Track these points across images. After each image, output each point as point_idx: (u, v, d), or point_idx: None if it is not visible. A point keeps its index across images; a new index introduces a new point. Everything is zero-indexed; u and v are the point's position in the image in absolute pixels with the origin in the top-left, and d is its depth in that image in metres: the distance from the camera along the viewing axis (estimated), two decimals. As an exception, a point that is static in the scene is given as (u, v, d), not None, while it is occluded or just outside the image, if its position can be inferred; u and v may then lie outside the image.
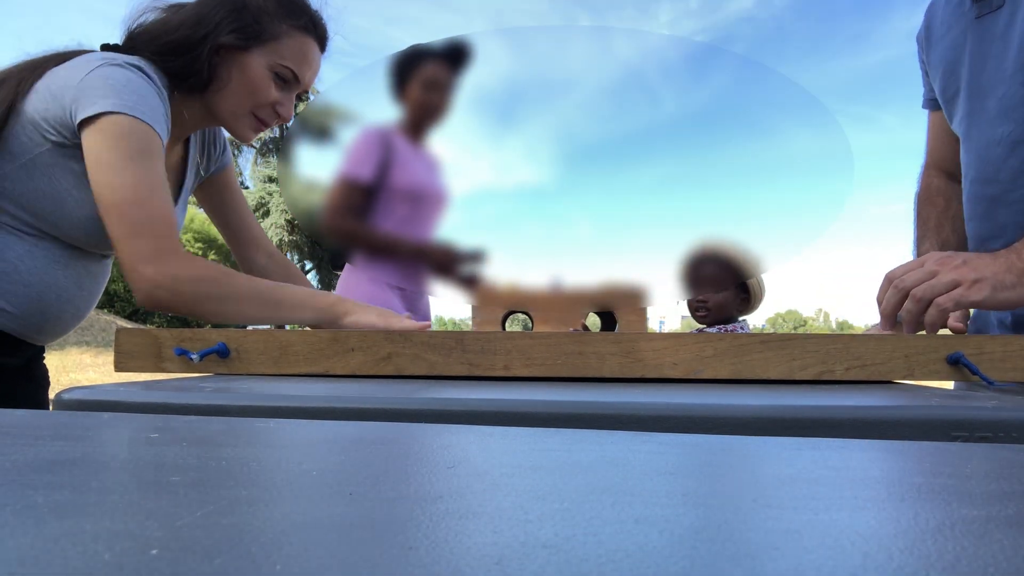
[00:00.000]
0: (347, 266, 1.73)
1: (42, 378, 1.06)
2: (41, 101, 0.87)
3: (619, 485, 0.25)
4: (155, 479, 0.25)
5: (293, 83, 1.00)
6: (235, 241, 1.18)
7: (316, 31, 1.02)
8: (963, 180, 0.98)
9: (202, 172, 1.12)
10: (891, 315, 0.79)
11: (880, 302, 0.81)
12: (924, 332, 0.78)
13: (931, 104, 1.11)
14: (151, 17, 0.97)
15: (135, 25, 0.97)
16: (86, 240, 0.92)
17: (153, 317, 13.95)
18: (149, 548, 0.17)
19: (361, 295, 1.65)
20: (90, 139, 0.84)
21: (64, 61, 0.90)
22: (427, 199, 1.67)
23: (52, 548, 0.17)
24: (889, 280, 0.80)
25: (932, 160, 1.12)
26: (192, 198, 1.15)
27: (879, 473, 0.29)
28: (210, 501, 0.22)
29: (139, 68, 0.89)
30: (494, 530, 0.19)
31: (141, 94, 0.87)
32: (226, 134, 1.14)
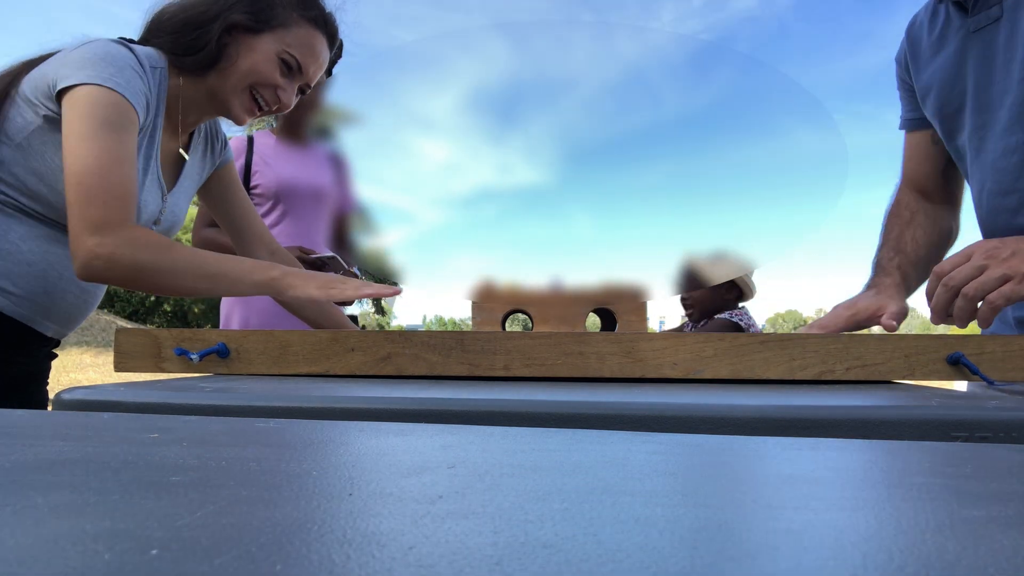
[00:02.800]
0: None
1: (39, 398, 1.05)
2: (31, 80, 0.89)
3: (619, 485, 0.25)
4: (155, 479, 0.25)
5: (297, 73, 1.01)
6: (237, 237, 1.18)
7: (327, 27, 1.03)
8: (977, 196, 0.98)
9: (208, 164, 1.12)
10: (942, 312, 0.79)
11: (929, 297, 0.81)
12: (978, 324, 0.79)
13: (910, 124, 1.12)
14: (171, 5, 0.98)
15: (151, 16, 0.98)
16: None
17: (153, 317, 13.95)
18: (149, 548, 0.17)
19: (246, 301, 1.65)
20: (67, 109, 0.86)
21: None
22: (298, 196, 1.68)
23: (52, 548, 0.17)
24: (937, 276, 0.80)
25: (907, 180, 1.13)
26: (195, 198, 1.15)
27: (879, 473, 0.29)
28: (210, 501, 0.22)
29: (129, 48, 0.90)
30: (494, 530, 0.19)
31: (119, 67, 0.87)
32: (227, 127, 1.15)
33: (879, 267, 1.05)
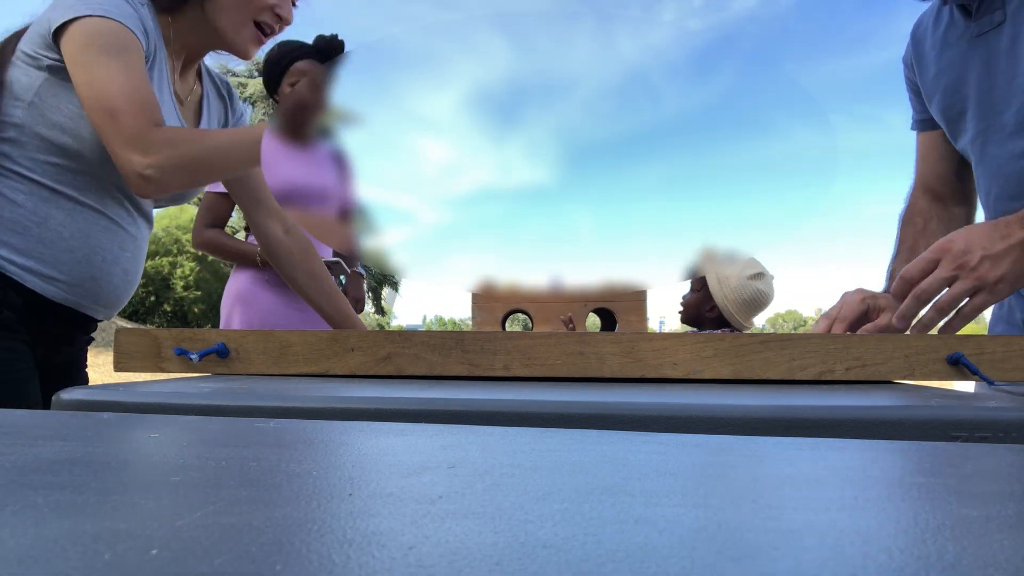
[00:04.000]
0: (233, 268, 1.74)
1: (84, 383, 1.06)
2: (29, 37, 0.89)
3: (619, 485, 0.25)
4: (155, 479, 0.25)
5: None
6: (252, 210, 1.17)
7: None
8: (984, 199, 0.98)
9: (222, 122, 1.12)
10: (910, 319, 0.79)
11: (897, 299, 0.81)
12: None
13: (921, 125, 1.12)
14: None
15: None
16: (108, 162, 0.93)
17: (153, 317, 13.95)
18: (149, 548, 0.17)
19: (247, 295, 1.65)
20: (67, 48, 0.86)
21: None
22: (304, 199, 1.68)
23: (52, 548, 0.17)
24: (907, 283, 0.80)
25: (920, 181, 1.13)
26: None
27: (879, 473, 0.29)
28: (210, 501, 0.22)
29: None
30: (494, 530, 0.19)
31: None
32: (245, 112, 1.14)
33: (893, 277, 1.05)
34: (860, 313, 0.91)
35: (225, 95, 1.12)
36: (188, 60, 1.02)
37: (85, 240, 0.92)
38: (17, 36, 0.91)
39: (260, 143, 0.90)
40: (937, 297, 0.78)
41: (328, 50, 1.69)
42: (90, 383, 0.81)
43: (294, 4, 1.03)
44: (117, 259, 0.96)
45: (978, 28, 0.92)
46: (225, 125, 1.13)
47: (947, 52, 0.98)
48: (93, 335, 1.05)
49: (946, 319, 0.80)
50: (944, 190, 1.10)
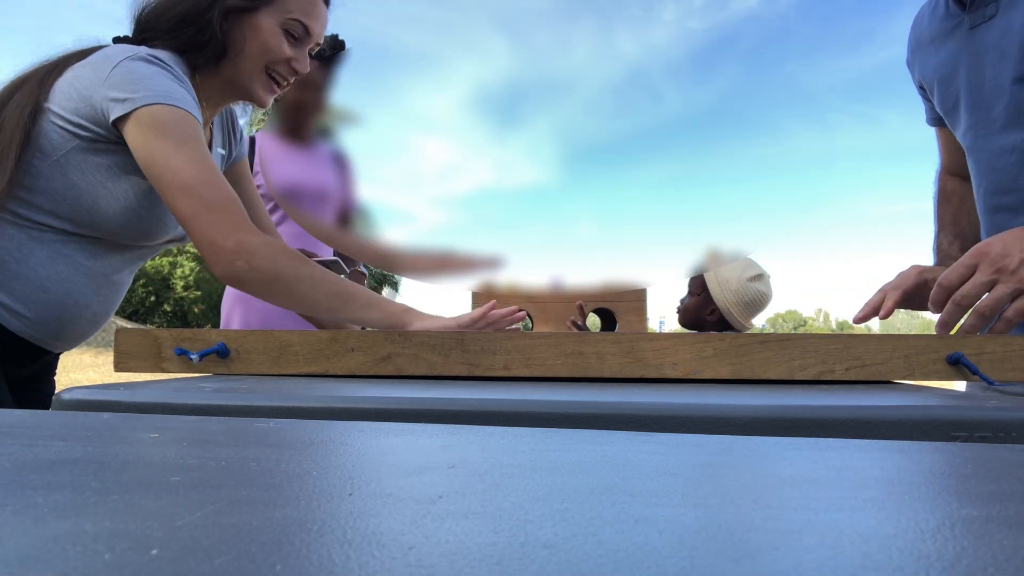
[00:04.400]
0: None
1: (47, 394, 1.06)
2: (68, 100, 0.88)
3: (619, 485, 0.25)
4: (155, 479, 0.25)
5: (304, 37, 1.01)
6: None
7: None
8: (976, 191, 0.98)
9: (226, 157, 1.12)
10: (951, 326, 0.79)
11: (936, 307, 0.79)
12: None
13: (935, 121, 1.13)
14: (158, 8, 0.97)
15: (141, 11, 0.98)
16: (122, 232, 0.93)
17: (153, 317, 13.95)
18: (149, 548, 0.17)
19: (247, 296, 1.65)
20: (134, 134, 0.86)
21: (82, 58, 0.91)
22: (302, 197, 1.68)
23: (52, 548, 0.17)
24: (945, 290, 0.78)
25: (945, 166, 1.16)
26: None
27: (879, 473, 0.29)
28: (210, 501, 0.22)
29: (159, 59, 0.90)
30: (494, 530, 0.19)
31: (168, 83, 0.88)
32: (242, 124, 1.15)
33: (940, 252, 1.06)
34: (917, 284, 0.89)
35: (227, 126, 1.13)
36: (209, 115, 1.03)
37: (61, 283, 0.92)
38: (46, 75, 0.90)
39: (353, 316, 0.90)
40: (978, 303, 0.77)
41: (328, 50, 1.69)
42: (90, 383, 0.81)
43: (311, 55, 1.04)
44: (89, 303, 0.96)
45: (971, 21, 0.93)
46: (229, 156, 1.13)
47: (944, 45, 0.99)
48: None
49: (989, 325, 0.78)
50: (966, 173, 1.11)
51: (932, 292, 0.80)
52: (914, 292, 0.90)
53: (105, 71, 0.87)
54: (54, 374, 1.07)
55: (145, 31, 0.97)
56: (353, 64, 1.67)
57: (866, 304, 0.90)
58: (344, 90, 1.67)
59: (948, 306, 0.78)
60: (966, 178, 1.11)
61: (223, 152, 1.12)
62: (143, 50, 0.90)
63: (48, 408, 1.07)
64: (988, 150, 0.92)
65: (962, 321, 0.79)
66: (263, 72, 0.99)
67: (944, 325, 0.79)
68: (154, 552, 0.16)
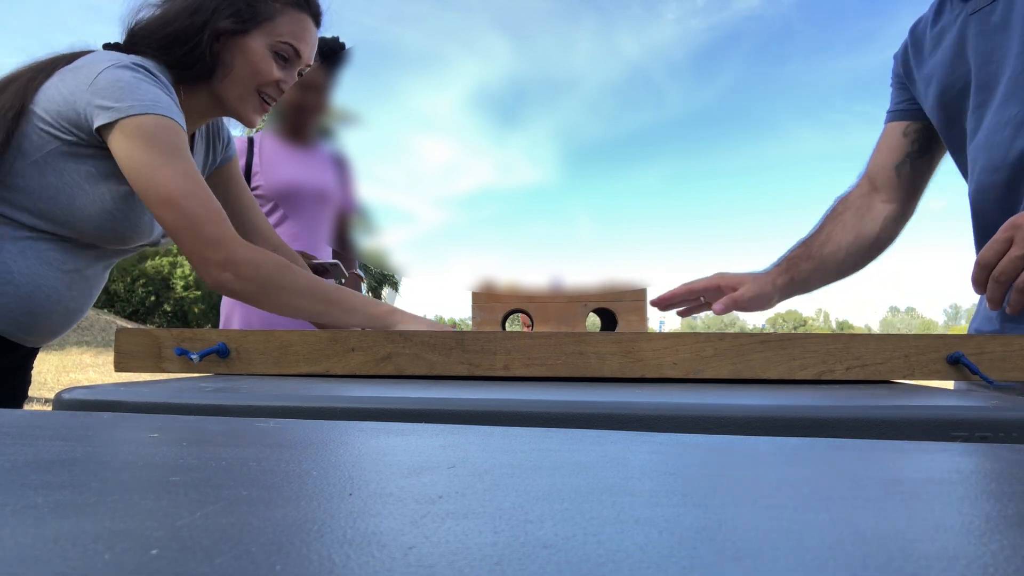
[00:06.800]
0: None
1: (21, 389, 1.06)
2: (52, 103, 0.88)
3: (619, 485, 0.25)
4: (155, 479, 0.25)
5: (294, 59, 1.02)
6: (241, 234, 1.18)
7: (310, 7, 1.04)
8: (971, 175, 0.98)
9: (209, 163, 1.13)
10: (999, 302, 0.79)
11: (978, 287, 0.80)
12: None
13: (890, 116, 1.12)
14: (147, 13, 0.98)
15: (133, 22, 0.98)
16: (98, 235, 0.94)
17: (153, 317, 13.94)
18: (149, 548, 0.17)
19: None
20: (118, 143, 0.87)
21: (70, 62, 0.91)
22: (301, 198, 1.68)
23: (52, 548, 0.17)
24: (984, 268, 0.78)
25: (867, 169, 1.14)
26: None
27: (879, 473, 0.29)
28: (210, 501, 0.22)
29: (145, 68, 0.91)
30: (494, 530, 0.19)
31: (154, 91, 0.89)
32: (230, 126, 1.15)
33: (784, 259, 1.08)
34: (708, 284, 1.00)
35: (212, 132, 1.13)
36: (191, 127, 1.04)
37: (32, 277, 0.92)
38: (33, 77, 0.90)
39: (340, 319, 0.92)
40: (1018, 279, 0.77)
41: (329, 52, 1.69)
42: (90, 383, 0.81)
43: (300, 75, 1.05)
44: (61, 298, 0.96)
45: (973, 5, 0.93)
46: (213, 162, 1.13)
47: (945, 38, 0.99)
48: (56, 351, 1.06)
49: None
50: (878, 181, 1.11)
51: (972, 272, 0.81)
52: (704, 290, 0.99)
53: (91, 77, 0.88)
54: (30, 369, 1.07)
55: (136, 43, 0.98)
56: (355, 64, 1.67)
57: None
58: (346, 90, 1.67)
59: (990, 284, 0.78)
60: (873, 188, 1.11)
61: (207, 158, 1.12)
62: (130, 58, 0.91)
63: (23, 405, 1.08)
64: (990, 126, 0.92)
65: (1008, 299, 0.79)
66: (255, 94, 1.00)
67: (992, 302, 0.79)
68: (154, 552, 0.16)
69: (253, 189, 1.68)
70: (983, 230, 0.95)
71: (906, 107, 1.08)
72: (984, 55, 0.92)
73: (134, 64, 0.90)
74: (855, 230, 1.09)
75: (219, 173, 1.14)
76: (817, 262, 1.08)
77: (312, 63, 1.05)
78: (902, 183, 1.09)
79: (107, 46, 0.98)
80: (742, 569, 0.16)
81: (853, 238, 1.09)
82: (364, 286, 1.86)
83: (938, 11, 1.02)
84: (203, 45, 0.95)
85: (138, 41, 0.97)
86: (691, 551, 0.17)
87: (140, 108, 0.86)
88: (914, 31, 1.08)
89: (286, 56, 1.00)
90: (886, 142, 1.11)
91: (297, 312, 0.93)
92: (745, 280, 1.03)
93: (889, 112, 1.13)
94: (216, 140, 1.13)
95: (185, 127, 0.91)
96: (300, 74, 1.05)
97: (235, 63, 0.98)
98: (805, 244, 1.09)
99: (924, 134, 1.07)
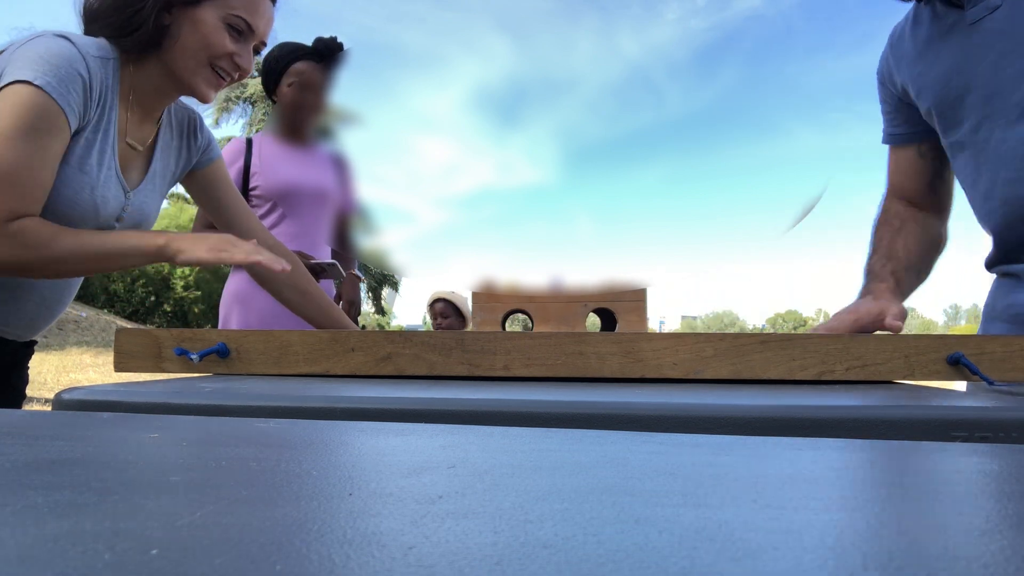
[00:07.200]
0: (231, 269, 1.74)
1: (18, 389, 1.06)
2: None
3: (619, 485, 0.25)
4: (155, 479, 0.25)
5: (248, 33, 1.00)
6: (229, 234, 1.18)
7: None
8: (982, 187, 0.97)
9: (183, 160, 1.11)
10: None
11: None
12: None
13: (894, 139, 1.12)
14: None
15: (83, 2, 0.98)
16: (51, 217, 0.92)
17: (153, 317, 13.94)
18: (149, 548, 0.17)
19: (245, 296, 1.64)
20: None
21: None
22: (300, 198, 1.68)
23: (52, 548, 0.17)
24: None
25: (893, 191, 1.14)
26: (190, 197, 1.14)
27: (879, 473, 0.29)
28: (210, 501, 0.22)
29: (66, 38, 0.89)
30: (494, 530, 0.19)
31: (56, 65, 0.87)
32: (211, 134, 1.14)
33: (872, 274, 1.05)
34: (852, 327, 0.92)
35: (187, 130, 1.12)
36: (150, 108, 1.02)
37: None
38: None
39: (134, 250, 0.91)
40: None
41: (327, 52, 1.69)
42: (90, 383, 0.81)
43: (257, 52, 1.03)
44: (34, 286, 0.96)
45: (973, 16, 0.92)
46: (188, 161, 1.12)
47: (934, 46, 0.98)
48: (55, 351, 1.05)
49: None
50: (918, 201, 1.11)
51: None
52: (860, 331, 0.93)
53: (17, 45, 0.88)
54: (27, 367, 1.07)
55: (87, 21, 0.97)
56: (355, 63, 1.67)
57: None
58: (345, 90, 1.67)
59: None
60: (913, 203, 1.11)
61: (180, 155, 1.10)
62: (55, 31, 0.90)
63: (22, 404, 1.08)
64: (1007, 139, 0.91)
65: None
66: (207, 66, 0.98)
67: None
68: (154, 552, 0.16)
69: (252, 189, 1.67)
70: (1017, 240, 0.94)
71: (910, 129, 1.08)
72: (989, 67, 0.91)
73: (62, 35, 0.89)
74: (926, 236, 1.09)
75: (201, 175, 1.13)
76: (905, 270, 1.07)
77: (267, 40, 1.03)
78: (940, 197, 1.10)
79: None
80: (742, 569, 0.16)
81: (927, 244, 1.09)
82: (363, 286, 1.86)
83: (916, 19, 1.02)
84: (147, 11, 0.94)
85: (89, 17, 0.97)
86: (691, 551, 0.17)
87: (30, 78, 0.85)
88: (892, 42, 1.08)
89: (239, 29, 0.98)
90: (906, 166, 1.11)
91: (75, 275, 0.93)
92: (882, 305, 0.99)
93: (891, 135, 1.13)
94: (192, 139, 1.11)
95: (71, 113, 0.89)
96: (256, 51, 1.03)
97: (183, 33, 0.96)
98: (886, 257, 1.07)
99: (938, 149, 1.07)
